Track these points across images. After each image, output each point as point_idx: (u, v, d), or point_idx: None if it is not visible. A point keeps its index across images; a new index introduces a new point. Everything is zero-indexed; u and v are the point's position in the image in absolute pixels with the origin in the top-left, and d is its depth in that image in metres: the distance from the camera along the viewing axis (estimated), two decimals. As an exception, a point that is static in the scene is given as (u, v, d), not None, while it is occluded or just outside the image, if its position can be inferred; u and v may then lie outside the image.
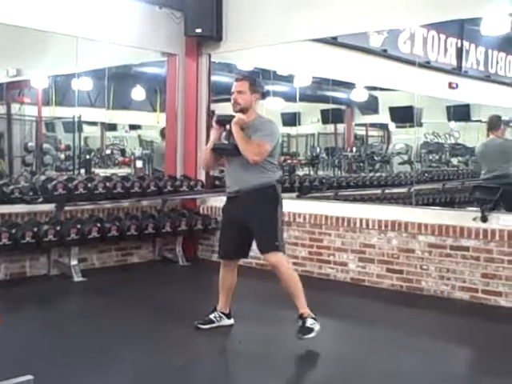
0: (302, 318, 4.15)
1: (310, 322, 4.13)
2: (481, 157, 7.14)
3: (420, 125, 9.67)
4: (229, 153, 4.35)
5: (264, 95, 11.00)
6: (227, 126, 4.31)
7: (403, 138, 11.58)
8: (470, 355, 4.40)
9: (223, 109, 11.21)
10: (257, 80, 4.57)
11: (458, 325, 4.96)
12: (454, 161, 12.14)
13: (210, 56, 7.51)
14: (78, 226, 6.21)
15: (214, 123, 4.46)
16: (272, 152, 4.26)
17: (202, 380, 3.64)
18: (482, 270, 5.41)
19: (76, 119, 9.34)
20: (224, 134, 4.38)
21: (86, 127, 11.53)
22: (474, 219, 5.45)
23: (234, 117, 4.27)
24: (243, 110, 4.29)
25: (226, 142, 4.37)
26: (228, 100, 11.21)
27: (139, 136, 13.79)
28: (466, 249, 5.49)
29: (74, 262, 6.25)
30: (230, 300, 4.55)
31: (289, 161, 11.59)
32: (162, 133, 9.98)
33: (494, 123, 6.96)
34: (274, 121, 4.52)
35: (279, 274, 4.20)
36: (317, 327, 4.11)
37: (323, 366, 3.87)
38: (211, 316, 4.52)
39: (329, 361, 3.90)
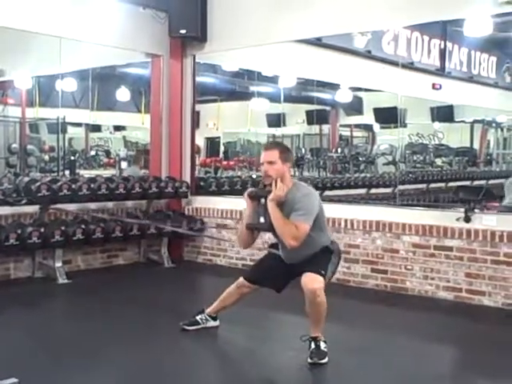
0: (316, 340, 3.93)
1: (323, 346, 3.92)
2: (508, 188, 7.08)
3: (404, 125, 9.73)
4: (266, 231, 4.08)
5: (249, 95, 11.07)
6: (262, 200, 3.96)
7: (388, 138, 11.66)
8: (455, 354, 4.42)
9: (206, 110, 11.28)
10: (288, 147, 4.25)
11: (443, 324, 4.99)
12: (438, 161, 12.24)
13: (194, 57, 7.50)
14: (63, 228, 6.18)
15: (246, 197, 4.08)
16: (316, 223, 3.91)
17: (188, 381, 3.63)
18: (466, 269, 5.45)
19: (60, 120, 9.29)
20: (259, 208, 4.00)
21: (70, 128, 11.46)
22: (458, 219, 5.49)
23: (269, 192, 3.90)
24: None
25: (262, 219, 3.98)
26: (213, 101, 11.30)
27: (124, 137, 13.76)
28: (450, 249, 5.53)
29: (58, 264, 6.22)
30: (222, 310, 4.49)
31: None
32: (135, 158, 10.02)
33: None
34: (312, 191, 4.07)
35: (314, 300, 3.84)
36: (327, 351, 3.94)
37: (306, 367, 3.88)
38: (197, 317, 4.51)
39: (326, 363, 3.91)
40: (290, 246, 3.84)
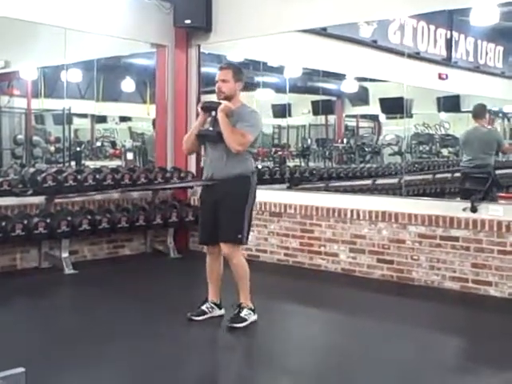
0: (240, 306, 4.32)
1: (245, 313, 4.31)
2: (464, 144, 7.17)
3: (410, 116, 9.68)
4: (212, 139, 4.38)
5: (254, 86, 11.05)
6: (213, 113, 4.35)
7: (394, 129, 11.60)
8: (461, 344, 4.42)
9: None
10: (240, 68, 4.61)
11: (449, 314, 4.99)
12: (445, 151, 12.18)
13: (199, 47, 7.48)
14: (69, 219, 6.19)
15: (199, 109, 4.52)
16: (252, 143, 4.36)
17: (195, 371, 3.65)
18: (472, 259, 5.44)
19: (66, 111, 9.29)
20: (209, 120, 4.42)
21: (75, 119, 11.46)
22: (464, 209, 5.48)
23: (220, 104, 4.32)
24: (227, 99, 4.36)
25: (210, 128, 4.40)
26: (219, 91, 10.89)
27: (129, 128, 13.74)
28: (456, 239, 5.52)
29: (64, 255, 6.24)
30: (219, 289, 4.57)
31: (279, 152, 11.59)
32: (154, 123, 9.95)
33: (479, 112, 6.98)
34: (258, 110, 4.63)
35: (231, 263, 4.35)
36: (252, 318, 4.30)
37: (314, 355, 3.89)
38: (203, 307, 4.53)
39: (320, 351, 3.92)
40: (236, 150, 4.24)
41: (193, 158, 7.56)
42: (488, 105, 12.06)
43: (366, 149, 11.65)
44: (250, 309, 4.32)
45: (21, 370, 3.02)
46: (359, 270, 6.12)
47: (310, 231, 6.45)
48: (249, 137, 4.27)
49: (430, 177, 10.13)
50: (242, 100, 4.49)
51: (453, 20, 9.54)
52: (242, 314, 4.29)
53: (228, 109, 4.29)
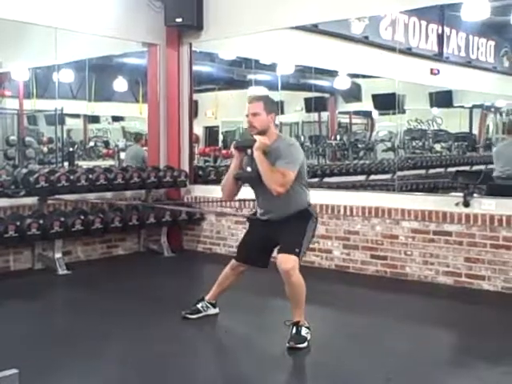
0: (298, 325, 3.96)
1: (304, 331, 3.96)
2: (497, 156, 7.46)
3: (403, 112, 9.72)
4: (254, 182, 4.04)
5: (246, 83, 11.04)
6: (248, 151, 3.98)
7: (386, 125, 11.63)
8: (455, 339, 4.43)
9: (204, 99, 11.26)
10: (272, 99, 4.25)
11: (443, 309, 5.01)
12: (437, 147, 12.22)
13: (191, 45, 7.46)
14: (62, 219, 6.18)
15: (233, 149, 4.13)
16: (299, 175, 3.97)
17: (190, 369, 3.65)
18: (465, 254, 5.46)
19: (58, 112, 9.27)
20: (245, 160, 4.06)
21: (68, 120, 11.47)
22: (457, 204, 5.49)
23: (255, 141, 3.93)
24: (261, 133, 3.97)
25: (249, 169, 4.02)
26: (211, 90, 11.25)
27: (123, 128, 13.74)
28: (449, 234, 5.54)
29: (58, 256, 6.23)
30: (220, 294, 4.53)
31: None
32: (136, 138, 9.99)
33: None
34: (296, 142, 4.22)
35: (288, 280, 3.91)
36: (309, 336, 3.96)
37: (309, 353, 3.89)
38: (198, 306, 4.52)
39: (315, 348, 3.92)
40: (277, 193, 3.86)
41: (186, 157, 7.57)
42: (480, 100, 12.14)
43: (360, 145, 11.69)
44: (307, 327, 4.00)
45: (14, 371, 3.02)
46: (353, 266, 6.13)
47: (304, 228, 6.44)
48: (290, 175, 3.86)
49: (423, 172, 10.16)
50: (277, 132, 4.13)
51: (444, 15, 9.57)
52: (303, 333, 3.96)
53: (264, 145, 3.90)
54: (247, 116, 4.03)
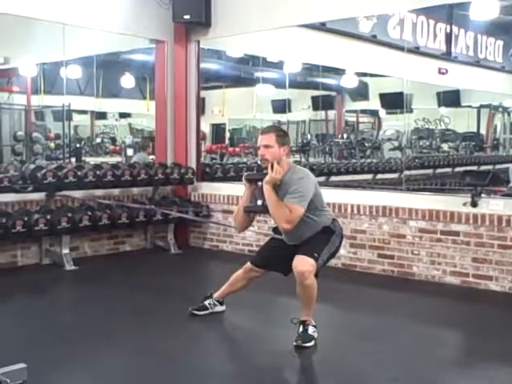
0: (305, 324, 3.95)
1: (311, 330, 3.95)
2: None
3: (410, 111, 9.70)
4: (263, 213, 4.11)
5: (254, 81, 11.04)
6: (259, 184, 4.00)
7: (394, 124, 11.61)
8: (461, 339, 4.42)
9: (212, 97, 11.25)
10: (285, 131, 4.22)
11: (450, 309, 4.99)
12: (445, 146, 12.20)
13: (198, 42, 7.46)
14: (69, 215, 6.19)
15: (244, 181, 4.14)
16: (312, 204, 3.93)
17: (197, 366, 3.65)
18: (473, 254, 5.44)
19: (65, 108, 9.29)
20: (256, 191, 4.05)
21: (75, 116, 11.49)
22: (464, 204, 5.47)
23: (266, 175, 3.93)
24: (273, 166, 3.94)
25: (259, 202, 4.03)
26: (218, 87, 11.23)
27: (129, 124, 13.75)
28: (457, 233, 5.52)
29: (65, 251, 6.24)
30: (229, 294, 4.52)
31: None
32: (143, 146, 10.01)
33: None
34: (308, 173, 4.05)
35: (302, 282, 3.86)
36: (316, 334, 3.95)
37: (316, 351, 3.89)
38: (206, 303, 4.52)
39: (321, 346, 3.92)
40: (284, 229, 3.89)
41: (193, 154, 7.57)
42: (488, 99, 12.11)
43: (366, 144, 11.67)
44: (314, 326, 3.99)
45: (22, 365, 3.04)
46: (360, 265, 6.12)
47: (311, 226, 6.43)
48: (297, 211, 3.81)
49: (430, 171, 10.14)
50: (290, 163, 4.08)
51: (453, 14, 9.55)
52: (310, 332, 3.92)
53: (274, 180, 3.89)
54: (259, 148, 4.02)
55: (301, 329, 3.95)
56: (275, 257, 4.18)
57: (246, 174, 4.24)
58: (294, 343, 3.88)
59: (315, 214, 4.00)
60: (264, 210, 3.98)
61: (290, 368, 3.75)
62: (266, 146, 3.95)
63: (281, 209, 3.84)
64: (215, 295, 4.53)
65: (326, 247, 3.98)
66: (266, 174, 3.94)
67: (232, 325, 4.54)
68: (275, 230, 4.28)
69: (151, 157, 8.98)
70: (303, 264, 3.85)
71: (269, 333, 4.34)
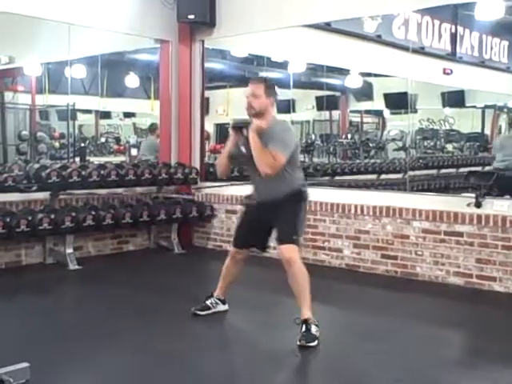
0: (307, 323, 3.94)
1: (314, 329, 3.94)
2: (499, 147, 7.45)
3: (415, 111, 9.68)
4: (247, 161, 4.14)
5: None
6: (244, 132, 4.08)
7: (398, 124, 11.59)
8: (465, 340, 4.42)
9: (216, 96, 11.26)
10: (273, 83, 4.28)
11: (453, 310, 4.98)
12: (449, 147, 12.17)
13: (203, 42, 7.47)
14: (73, 214, 6.20)
15: (230, 129, 4.22)
16: (292, 159, 4.06)
17: (199, 366, 3.65)
18: (476, 255, 5.43)
19: (70, 107, 9.30)
20: (241, 139, 4.14)
21: (80, 115, 11.50)
22: (468, 205, 5.46)
23: (250, 122, 4.05)
24: (258, 115, 4.07)
25: (243, 149, 4.12)
26: (222, 87, 11.23)
27: (134, 124, 13.77)
28: (461, 234, 5.51)
29: (69, 250, 6.25)
30: (227, 289, 4.56)
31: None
32: (151, 128, 9.99)
33: None
34: (292, 127, 4.33)
35: (290, 269, 4.01)
36: (318, 335, 3.95)
37: (319, 351, 3.88)
38: (208, 302, 4.54)
39: (324, 346, 3.91)
40: (265, 174, 3.98)
41: (197, 154, 7.58)
42: (493, 100, 12.07)
43: (371, 144, 11.65)
44: (316, 324, 3.98)
45: (25, 364, 3.04)
46: (363, 265, 6.11)
47: (314, 226, 6.44)
48: (280, 159, 3.94)
49: (434, 172, 10.12)
50: (274, 116, 4.23)
51: (458, 14, 9.52)
52: (313, 331, 3.92)
53: (260, 129, 4.00)
54: (247, 97, 4.13)
55: (303, 328, 3.95)
56: (251, 234, 4.31)
57: (232, 120, 4.33)
58: (298, 343, 3.88)
59: (292, 170, 4.13)
60: (247, 156, 4.08)
61: (292, 368, 3.75)
62: (254, 95, 4.10)
63: (265, 154, 3.97)
64: (215, 293, 4.56)
65: (299, 222, 4.13)
66: (251, 122, 4.06)
67: (232, 325, 4.53)
68: (247, 197, 4.48)
69: (159, 140, 8.91)
70: (287, 251, 4.04)
71: (271, 333, 4.34)
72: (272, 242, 4.34)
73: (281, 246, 4.07)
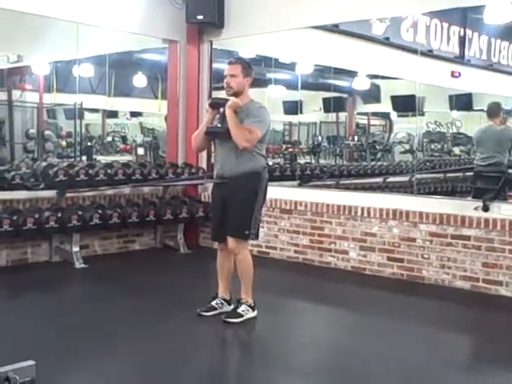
0: (239, 302, 4.35)
1: (242, 308, 4.32)
2: (477, 143, 7.10)
3: (422, 114, 9.64)
4: (221, 136, 4.37)
5: (266, 82, 11.04)
6: (221, 109, 4.34)
7: (405, 127, 11.56)
8: (470, 344, 4.40)
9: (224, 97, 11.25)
10: (249, 63, 4.54)
11: (459, 314, 4.97)
12: (456, 150, 12.12)
13: (211, 43, 7.47)
14: (80, 213, 6.21)
15: (207, 106, 4.54)
16: (262, 138, 4.32)
17: (201, 367, 3.65)
18: (483, 259, 5.41)
19: (77, 106, 9.32)
20: (218, 117, 4.42)
21: (87, 114, 11.52)
22: (476, 208, 5.44)
23: (227, 100, 4.31)
24: (236, 94, 4.33)
25: (219, 125, 4.39)
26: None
27: (140, 123, 13.78)
28: (467, 238, 5.49)
29: (75, 249, 6.26)
30: (229, 285, 4.58)
31: (290, 149, 11.57)
32: (166, 119, 9.98)
33: (493, 110, 6.91)
34: (267, 106, 4.59)
35: (236, 258, 4.38)
36: (250, 314, 4.31)
37: (323, 353, 3.88)
38: (213, 303, 4.54)
39: (327, 349, 3.91)
40: (243, 147, 4.21)
41: (204, 154, 7.57)
42: (501, 103, 12.01)
43: (377, 146, 11.63)
44: (250, 306, 4.33)
45: (31, 362, 3.03)
46: (369, 268, 6.10)
47: (321, 228, 6.43)
48: (256, 132, 4.23)
49: (441, 175, 10.09)
50: (250, 96, 4.46)
51: (466, 18, 9.48)
52: (240, 310, 4.32)
53: (236, 105, 4.27)
54: (225, 77, 4.35)
55: (233, 306, 4.33)
56: (221, 225, 4.44)
57: (209, 99, 4.63)
58: (223, 318, 4.25)
59: (260, 149, 4.36)
60: (223, 131, 4.29)
61: (293, 368, 3.74)
62: (232, 75, 4.33)
63: (241, 129, 4.22)
64: (219, 294, 4.58)
65: (253, 216, 4.32)
66: (227, 99, 4.31)
67: (237, 326, 4.53)
68: (209, 176, 4.83)
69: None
70: (235, 246, 4.33)
71: (276, 335, 4.34)
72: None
73: (230, 238, 4.31)
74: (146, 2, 7.09)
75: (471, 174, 7.18)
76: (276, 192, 6.53)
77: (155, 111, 12.44)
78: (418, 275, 5.78)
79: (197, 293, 5.18)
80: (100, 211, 6.38)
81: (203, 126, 4.48)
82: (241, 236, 4.33)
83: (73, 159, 9.46)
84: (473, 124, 12.27)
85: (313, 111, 12.27)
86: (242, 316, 4.26)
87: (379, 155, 11.53)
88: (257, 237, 4.48)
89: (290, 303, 5.14)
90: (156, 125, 13.21)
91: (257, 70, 11.02)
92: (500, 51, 10.63)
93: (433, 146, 11.77)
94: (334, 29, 7.66)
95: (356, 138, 12.13)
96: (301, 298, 4.95)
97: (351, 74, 10.69)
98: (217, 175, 4.51)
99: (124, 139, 12.96)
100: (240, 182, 4.31)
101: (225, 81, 4.37)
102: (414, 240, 5.82)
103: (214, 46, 7.53)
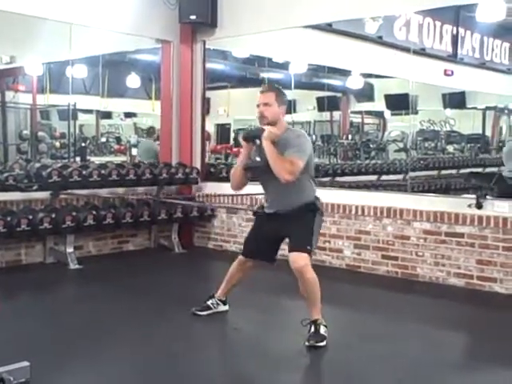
0: (316, 324, 3.96)
1: (323, 330, 3.96)
2: (506, 156, 7.25)
3: (416, 112, 9.66)
4: (262, 171, 4.01)
5: (259, 82, 11.04)
6: (257, 141, 3.99)
7: (399, 125, 11.59)
8: (465, 341, 4.41)
9: (217, 97, 11.27)
10: (283, 90, 4.21)
11: (453, 311, 4.98)
12: (450, 148, 12.16)
13: (204, 43, 7.47)
14: (74, 214, 6.20)
15: (241, 140, 4.17)
16: (307, 167, 4.00)
17: (199, 367, 3.65)
18: (477, 256, 5.43)
19: (71, 107, 9.30)
20: (254, 150, 4.06)
21: (81, 115, 11.49)
22: (469, 206, 5.46)
23: (263, 130, 3.96)
24: (271, 124, 3.99)
25: (258, 159, 4.02)
26: (223, 88, 11.25)
27: (135, 124, 13.77)
28: (461, 235, 5.51)
29: (69, 250, 6.25)
30: (229, 291, 4.54)
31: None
32: (149, 132, 10.02)
33: None
34: (305, 133, 4.27)
35: (302, 277, 3.94)
36: (326, 335, 3.96)
37: (318, 352, 3.88)
38: (208, 302, 4.53)
39: (326, 347, 3.91)
40: (285, 180, 3.86)
41: (197, 154, 7.58)
42: (494, 101, 12.07)
43: (371, 145, 11.65)
44: (325, 325, 3.99)
45: (25, 363, 3.03)
46: (364, 266, 6.11)
47: (315, 227, 6.43)
48: (298, 163, 3.86)
49: (435, 173, 10.12)
50: (285, 124, 4.16)
51: (459, 16, 9.51)
52: (322, 332, 3.94)
53: (274, 135, 3.93)
54: (258, 106, 4.05)
55: (312, 329, 3.95)
56: (260, 246, 4.23)
57: (243, 132, 4.19)
58: (307, 343, 3.87)
59: (305, 180, 4.03)
60: (263, 165, 3.95)
61: (292, 368, 3.74)
62: (266, 104, 4.01)
63: (282, 161, 3.87)
64: (217, 294, 4.55)
65: (314, 233, 4.02)
66: (263, 129, 3.96)
67: (234, 325, 4.53)
68: (258, 210, 4.43)
69: (157, 142, 8.90)
70: (298, 260, 3.91)
71: (272, 334, 4.34)
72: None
73: (293, 253, 3.95)
74: (139, 2, 7.08)
75: (465, 171, 7.28)
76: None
77: (149, 111, 12.43)
78: (413, 273, 5.79)
79: (192, 292, 5.18)
80: (94, 212, 6.37)
81: (240, 161, 4.16)
82: (303, 249, 3.94)
83: (67, 160, 9.43)
84: (466, 122, 12.34)
85: (307, 110, 12.29)
86: (325, 337, 3.93)
87: (373, 154, 11.55)
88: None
89: (286, 303, 5.14)
90: (150, 125, 13.19)
91: (250, 69, 11.10)
92: (493, 49, 10.66)
93: (426, 144, 11.80)
94: (327, 28, 7.67)
95: (350, 136, 12.15)
96: (295, 296, 4.93)
97: (345, 72, 10.70)
98: (267, 210, 4.21)
99: (118, 140, 12.94)
100: (294, 214, 4.03)
101: (258, 110, 4.04)
102: (408, 238, 5.83)
103: (207, 46, 7.53)
